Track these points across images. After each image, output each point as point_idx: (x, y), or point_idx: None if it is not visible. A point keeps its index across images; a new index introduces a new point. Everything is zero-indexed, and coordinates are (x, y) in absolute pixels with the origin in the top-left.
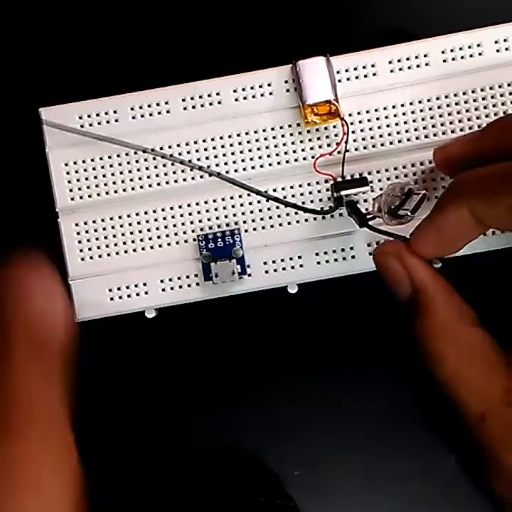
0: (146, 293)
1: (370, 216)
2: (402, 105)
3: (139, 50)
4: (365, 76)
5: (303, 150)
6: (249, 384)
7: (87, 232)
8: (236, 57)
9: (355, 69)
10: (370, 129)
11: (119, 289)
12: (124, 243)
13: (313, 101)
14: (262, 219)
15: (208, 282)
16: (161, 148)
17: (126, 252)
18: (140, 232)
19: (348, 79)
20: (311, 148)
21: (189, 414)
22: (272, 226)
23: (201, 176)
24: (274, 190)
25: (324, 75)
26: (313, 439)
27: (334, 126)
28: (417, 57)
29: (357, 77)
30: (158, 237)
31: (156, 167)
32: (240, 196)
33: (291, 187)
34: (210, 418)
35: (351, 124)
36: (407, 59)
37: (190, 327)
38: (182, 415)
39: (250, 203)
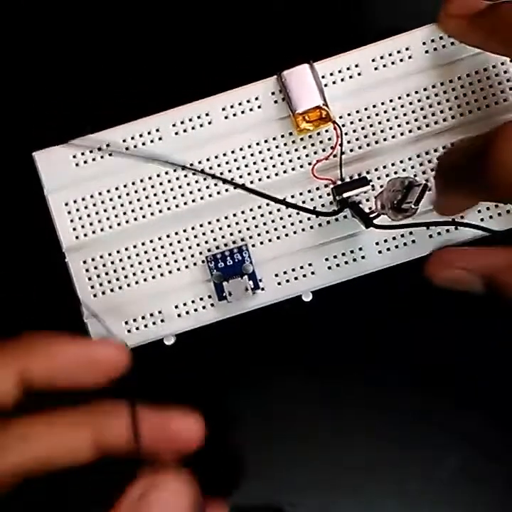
0: (162, 321)
1: (374, 215)
2: (391, 100)
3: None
4: (351, 77)
5: (299, 158)
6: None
7: (95, 267)
8: (218, 76)
9: (340, 71)
10: (363, 128)
11: (135, 320)
12: (134, 274)
13: (303, 109)
14: (267, 232)
15: (223, 302)
16: (158, 176)
17: (137, 282)
18: (148, 260)
19: (333, 82)
20: (307, 155)
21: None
22: (278, 238)
23: (201, 198)
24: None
25: (310, 82)
26: (314, 439)
27: (327, 131)
28: (399, 52)
29: (342, 80)
30: (167, 263)
31: (155, 195)
32: (243, 212)
33: (292, 196)
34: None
35: (343, 126)
36: (390, 55)
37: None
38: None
39: (253, 218)
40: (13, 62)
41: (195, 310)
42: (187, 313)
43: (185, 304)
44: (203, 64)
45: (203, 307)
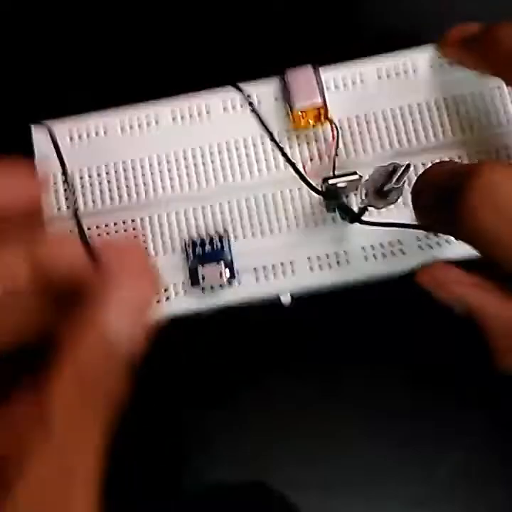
0: None
1: (361, 206)
2: (391, 110)
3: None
4: (353, 84)
5: (293, 155)
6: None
7: None
8: (220, 70)
9: (343, 79)
10: (360, 133)
11: None
12: None
13: (301, 105)
14: (252, 225)
15: (197, 289)
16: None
17: None
18: None
19: (336, 87)
20: (301, 154)
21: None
22: (262, 233)
23: (189, 186)
24: (264, 196)
25: (312, 82)
26: (314, 439)
27: (323, 132)
28: (404, 65)
29: (345, 85)
30: (146, 247)
31: (143, 176)
32: (229, 202)
33: (290, 190)
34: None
35: (340, 128)
36: (395, 69)
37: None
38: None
39: (239, 210)
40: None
41: (167, 299)
42: (157, 301)
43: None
44: (207, 61)
45: (176, 294)
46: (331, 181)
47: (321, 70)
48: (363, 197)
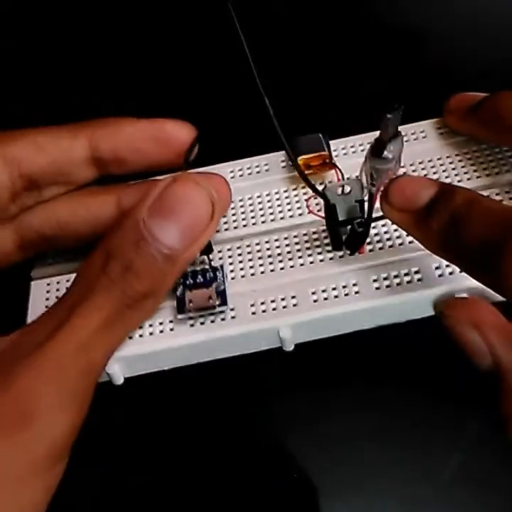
0: None
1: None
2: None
3: None
4: (362, 150)
5: (297, 201)
6: None
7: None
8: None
9: (352, 147)
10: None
11: None
12: None
13: (305, 154)
14: (251, 267)
15: (183, 320)
16: None
17: None
18: None
19: (344, 154)
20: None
21: None
22: (262, 273)
23: None
24: (277, 240)
25: (318, 140)
26: (314, 439)
27: (330, 181)
28: (413, 134)
29: (354, 152)
30: None
31: None
32: (229, 249)
33: (304, 234)
34: None
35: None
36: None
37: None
38: None
39: (239, 255)
40: None
41: (151, 334)
42: (140, 336)
43: (140, 327)
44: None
45: (161, 331)
46: (330, 185)
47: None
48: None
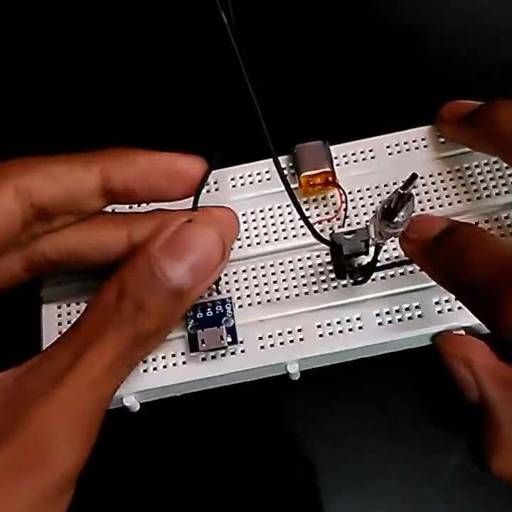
0: None
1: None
2: (394, 183)
3: None
4: (364, 160)
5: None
6: None
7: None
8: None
9: (353, 154)
10: (366, 205)
11: None
12: None
13: (308, 171)
14: (257, 294)
15: (195, 356)
16: None
17: None
18: None
19: (346, 163)
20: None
21: None
22: (268, 301)
23: None
24: (281, 264)
25: (320, 152)
26: (314, 438)
27: (332, 196)
28: (414, 141)
29: (355, 161)
30: None
31: None
32: (235, 272)
33: (308, 258)
34: None
35: (350, 193)
36: (405, 143)
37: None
38: None
39: (245, 279)
40: None
41: (164, 367)
42: (154, 369)
43: (154, 360)
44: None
45: (174, 364)
46: (338, 230)
47: (331, 147)
48: (372, 232)
